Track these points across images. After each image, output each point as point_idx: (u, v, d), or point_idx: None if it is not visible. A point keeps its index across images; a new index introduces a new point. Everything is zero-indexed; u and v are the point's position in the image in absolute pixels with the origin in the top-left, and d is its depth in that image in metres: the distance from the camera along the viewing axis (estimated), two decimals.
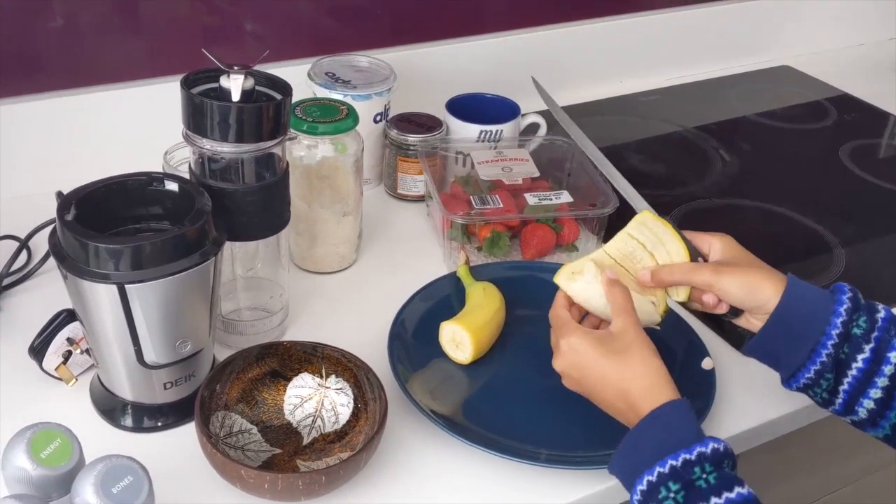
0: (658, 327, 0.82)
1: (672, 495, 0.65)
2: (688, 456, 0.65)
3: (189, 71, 0.78)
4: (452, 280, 0.97)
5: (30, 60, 1.04)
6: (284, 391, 0.80)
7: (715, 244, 0.81)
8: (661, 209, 1.18)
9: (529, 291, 0.95)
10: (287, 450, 0.77)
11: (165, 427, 0.79)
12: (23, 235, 0.95)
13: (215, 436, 0.74)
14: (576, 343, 0.74)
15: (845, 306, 0.75)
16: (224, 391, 0.78)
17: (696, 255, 0.81)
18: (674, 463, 0.65)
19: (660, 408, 0.69)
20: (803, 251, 1.13)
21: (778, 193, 1.23)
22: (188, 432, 0.77)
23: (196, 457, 0.73)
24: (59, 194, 0.74)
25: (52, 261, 0.93)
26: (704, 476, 0.65)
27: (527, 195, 1.03)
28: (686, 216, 1.16)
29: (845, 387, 0.75)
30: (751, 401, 0.88)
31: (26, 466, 0.64)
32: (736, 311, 0.80)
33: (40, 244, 0.94)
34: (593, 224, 1.05)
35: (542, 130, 1.19)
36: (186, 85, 0.76)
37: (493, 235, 1.03)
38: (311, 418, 0.80)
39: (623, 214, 0.99)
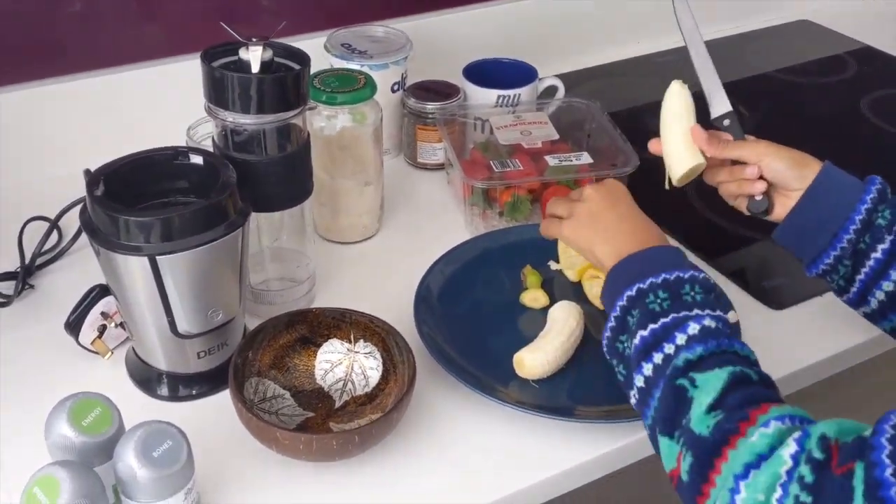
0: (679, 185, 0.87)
1: (659, 301, 0.68)
2: (681, 274, 0.69)
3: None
4: (475, 245, 0.98)
5: (52, 45, 1.06)
6: (315, 357, 0.82)
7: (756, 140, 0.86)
8: None
9: (552, 254, 0.96)
10: (320, 413, 0.79)
11: (200, 395, 0.81)
12: (52, 216, 0.97)
13: (250, 401, 0.76)
14: (622, 186, 0.81)
15: (872, 195, 0.77)
16: (256, 358, 0.79)
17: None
18: (667, 276, 0.69)
19: (669, 246, 0.74)
20: None
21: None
22: (222, 400, 0.78)
23: (231, 423, 0.75)
24: (87, 172, 0.75)
25: (82, 240, 0.95)
26: (693, 293, 0.68)
27: (547, 157, 1.04)
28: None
29: (861, 276, 0.78)
30: (773, 355, 0.87)
31: (69, 434, 0.66)
32: (768, 207, 0.83)
33: (70, 224, 0.96)
34: None
35: (561, 93, 1.19)
36: (206, 59, 0.77)
37: (514, 200, 1.03)
38: (341, 382, 0.81)
39: (643, 173, 1.00)
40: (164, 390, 0.81)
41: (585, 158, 1.04)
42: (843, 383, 0.97)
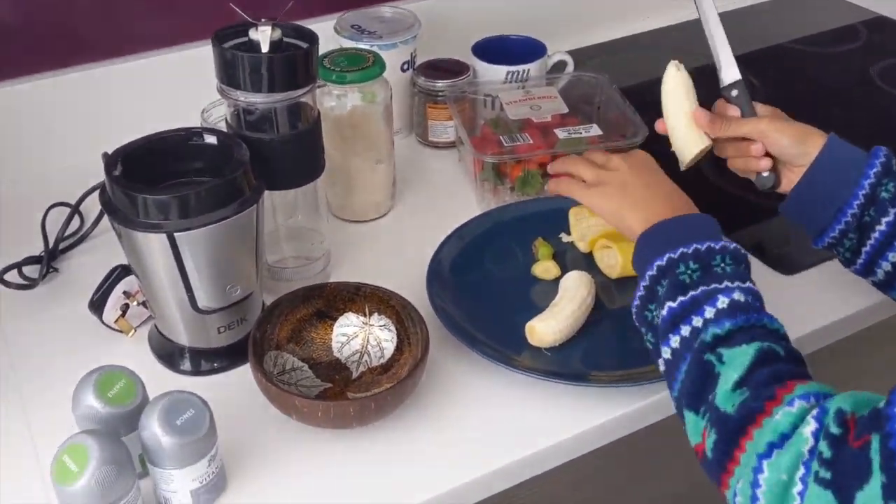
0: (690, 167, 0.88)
1: (689, 272, 0.68)
2: (713, 245, 0.69)
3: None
4: (486, 219, 0.99)
5: (71, 35, 1.08)
6: (331, 330, 0.84)
7: (764, 109, 0.86)
8: None
9: (563, 227, 0.98)
10: (337, 384, 0.81)
11: (221, 370, 0.83)
12: (73, 201, 1.00)
13: (269, 373, 0.78)
14: (649, 155, 0.82)
15: (875, 170, 0.77)
16: (274, 332, 0.81)
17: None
18: (699, 247, 0.69)
19: (701, 214, 0.75)
20: None
21: (807, 116, 1.21)
22: (243, 374, 0.81)
23: (251, 395, 0.77)
24: (105, 154, 0.77)
25: (102, 225, 0.98)
26: (723, 265, 0.68)
27: (556, 131, 1.05)
28: None
29: (867, 248, 0.79)
30: (789, 319, 0.89)
31: (95, 405, 0.68)
32: (775, 182, 0.84)
33: (91, 209, 0.98)
34: None
35: (570, 68, 1.20)
36: (217, 40, 0.79)
37: (525, 174, 1.04)
38: (358, 354, 0.83)
39: (653, 144, 1.00)
40: (186, 365, 0.83)
41: (595, 130, 1.05)
42: (858, 350, 0.98)
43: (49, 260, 0.94)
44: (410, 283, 0.89)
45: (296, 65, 0.79)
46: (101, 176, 0.76)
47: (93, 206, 0.93)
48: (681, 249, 0.69)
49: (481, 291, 0.91)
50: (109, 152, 0.78)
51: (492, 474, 0.75)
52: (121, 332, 0.86)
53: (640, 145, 1.03)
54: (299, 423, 0.75)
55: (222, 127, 0.87)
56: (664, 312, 0.67)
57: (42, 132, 1.09)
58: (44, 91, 1.07)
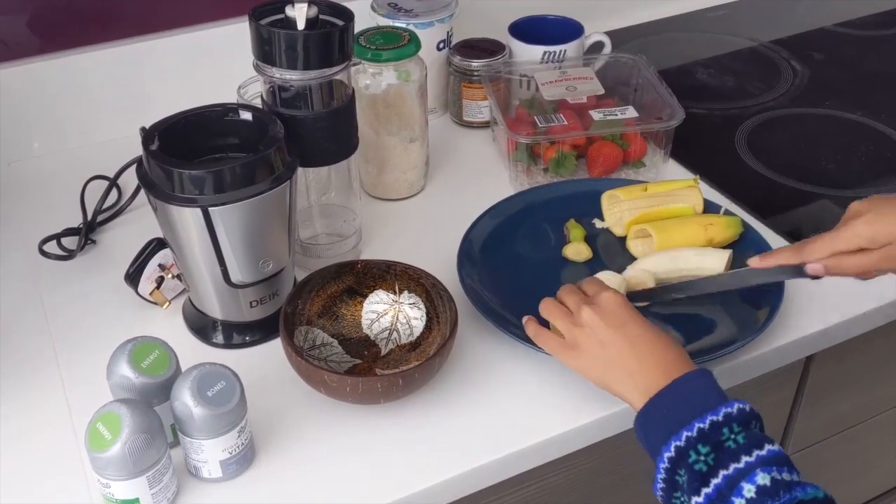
0: None
1: (702, 458, 0.63)
2: (715, 418, 0.64)
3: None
4: (519, 199, 0.99)
5: (111, 10, 1.09)
6: (362, 307, 0.85)
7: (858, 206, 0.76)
8: (730, 122, 1.18)
9: (596, 211, 0.97)
10: (366, 360, 0.82)
11: (253, 343, 0.84)
12: (111, 175, 1.01)
13: (300, 348, 0.79)
14: (621, 298, 0.74)
15: None
16: (306, 308, 0.82)
17: None
18: (701, 426, 0.64)
19: (693, 371, 0.68)
20: (875, 156, 1.11)
21: (851, 101, 1.21)
22: (274, 348, 0.82)
23: (282, 369, 0.78)
24: (143, 129, 0.78)
25: (140, 198, 0.99)
26: (733, 437, 0.63)
27: (592, 112, 1.04)
28: (754, 129, 1.15)
29: None
30: (816, 305, 0.88)
31: (129, 375, 0.70)
32: None
33: (129, 182, 1.00)
34: (660, 139, 1.05)
35: (607, 49, 1.18)
36: (254, 17, 0.80)
37: (559, 155, 1.04)
38: (387, 331, 0.84)
39: (690, 126, 0.99)
40: (219, 338, 0.84)
41: (631, 112, 1.04)
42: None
43: (87, 232, 0.96)
44: (441, 262, 0.89)
45: (331, 42, 0.79)
46: (140, 150, 0.77)
47: (131, 179, 0.95)
48: (685, 433, 0.64)
49: (511, 272, 0.91)
50: (147, 127, 0.79)
51: (517, 454, 0.75)
52: (156, 304, 0.87)
53: (676, 128, 1.02)
54: (328, 397, 0.76)
55: (258, 103, 0.87)
56: None
57: (83, 106, 1.10)
58: (86, 65, 1.08)
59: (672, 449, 0.64)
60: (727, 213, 0.95)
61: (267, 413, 0.77)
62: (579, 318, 0.73)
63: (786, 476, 0.61)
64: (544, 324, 0.78)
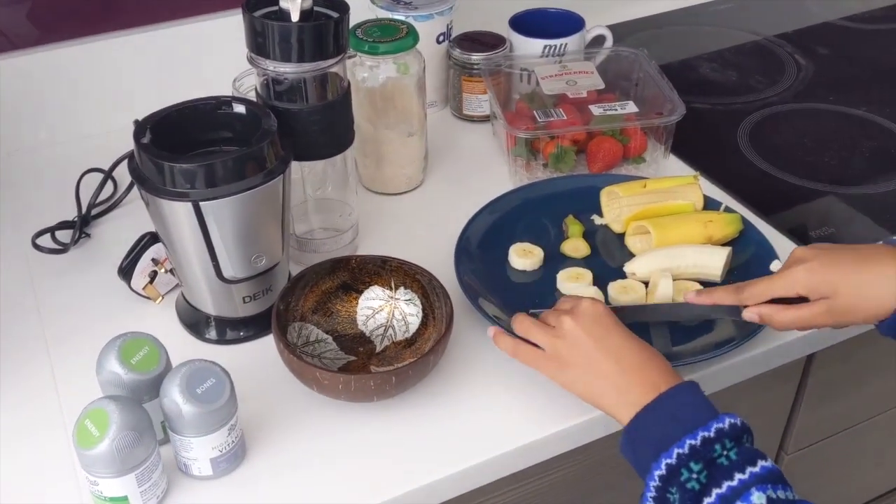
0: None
1: (695, 476, 0.61)
2: (706, 434, 0.62)
3: None
4: (517, 195, 0.98)
5: (103, 2, 1.08)
6: (356, 303, 0.84)
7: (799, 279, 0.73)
8: (732, 117, 1.16)
9: (595, 207, 0.96)
10: (361, 357, 0.81)
11: (246, 339, 0.83)
12: (107, 167, 1.00)
13: (293, 344, 0.78)
14: (601, 307, 0.72)
15: None
16: (299, 303, 0.81)
17: None
18: (693, 442, 0.62)
19: (680, 385, 0.67)
20: (880, 152, 1.10)
21: (855, 96, 1.19)
22: (268, 344, 0.81)
23: (275, 366, 0.77)
24: (136, 122, 0.77)
25: (135, 191, 0.98)
26: (725, 453, 0.62)
27: (592, 107, 1.03)
28: (756, 125, 1.14)
29: None
30: None
31: (118, 371, 0.69)
32: None
33: (124, 175, 0.99)
34: (661, 135, 1.04)
35: (609, 43, 1.17)
36: (248, 8, 0.79)
37: (559, 150, 1.03)
38: (382, 328, 0.83)
39: (691, 122, 0.98)
40: (212, 333, 0.83)
41: (631, 107, 1.03)
42: None
43: (81, 225, 0.95)
44: (438, 258, 0.88)
45: (325, 35, 0.78)
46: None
47: (126, 172, 0.94)
48: (675, 451, 0.62)
49: (509, 268, 0.90)
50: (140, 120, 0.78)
51: (511, 453, 0.75)
52: (149, 298, 0.87)
53: (677, 124, 1.01)
54: (320, 395, 0.75)
55: (253, 96, 0.86)
56: None
57: (78, 98, 1.09)
58: (80, 57, 1.07)
59: (663, 467, 0.62)
60: (727, 210, 0.93)
61: (259, 410, 0.76)
62: (560, 329, 0.71)
63: (780, 494, 0.59)
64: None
